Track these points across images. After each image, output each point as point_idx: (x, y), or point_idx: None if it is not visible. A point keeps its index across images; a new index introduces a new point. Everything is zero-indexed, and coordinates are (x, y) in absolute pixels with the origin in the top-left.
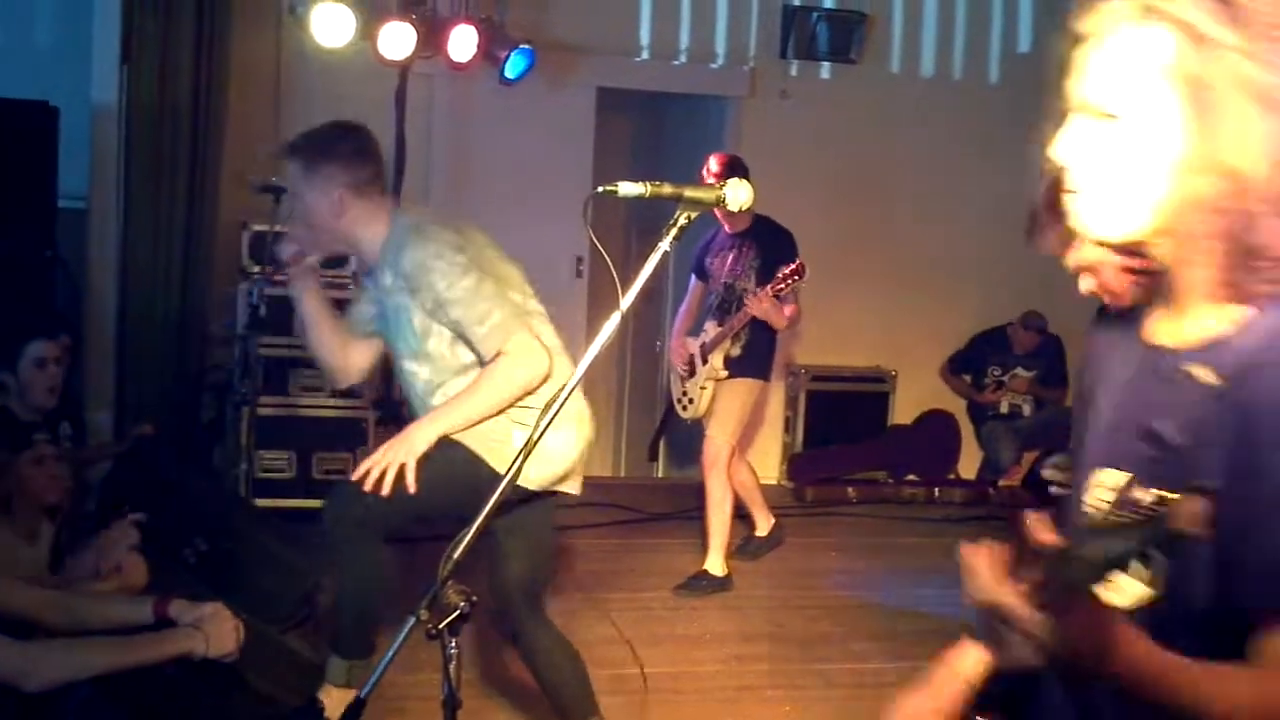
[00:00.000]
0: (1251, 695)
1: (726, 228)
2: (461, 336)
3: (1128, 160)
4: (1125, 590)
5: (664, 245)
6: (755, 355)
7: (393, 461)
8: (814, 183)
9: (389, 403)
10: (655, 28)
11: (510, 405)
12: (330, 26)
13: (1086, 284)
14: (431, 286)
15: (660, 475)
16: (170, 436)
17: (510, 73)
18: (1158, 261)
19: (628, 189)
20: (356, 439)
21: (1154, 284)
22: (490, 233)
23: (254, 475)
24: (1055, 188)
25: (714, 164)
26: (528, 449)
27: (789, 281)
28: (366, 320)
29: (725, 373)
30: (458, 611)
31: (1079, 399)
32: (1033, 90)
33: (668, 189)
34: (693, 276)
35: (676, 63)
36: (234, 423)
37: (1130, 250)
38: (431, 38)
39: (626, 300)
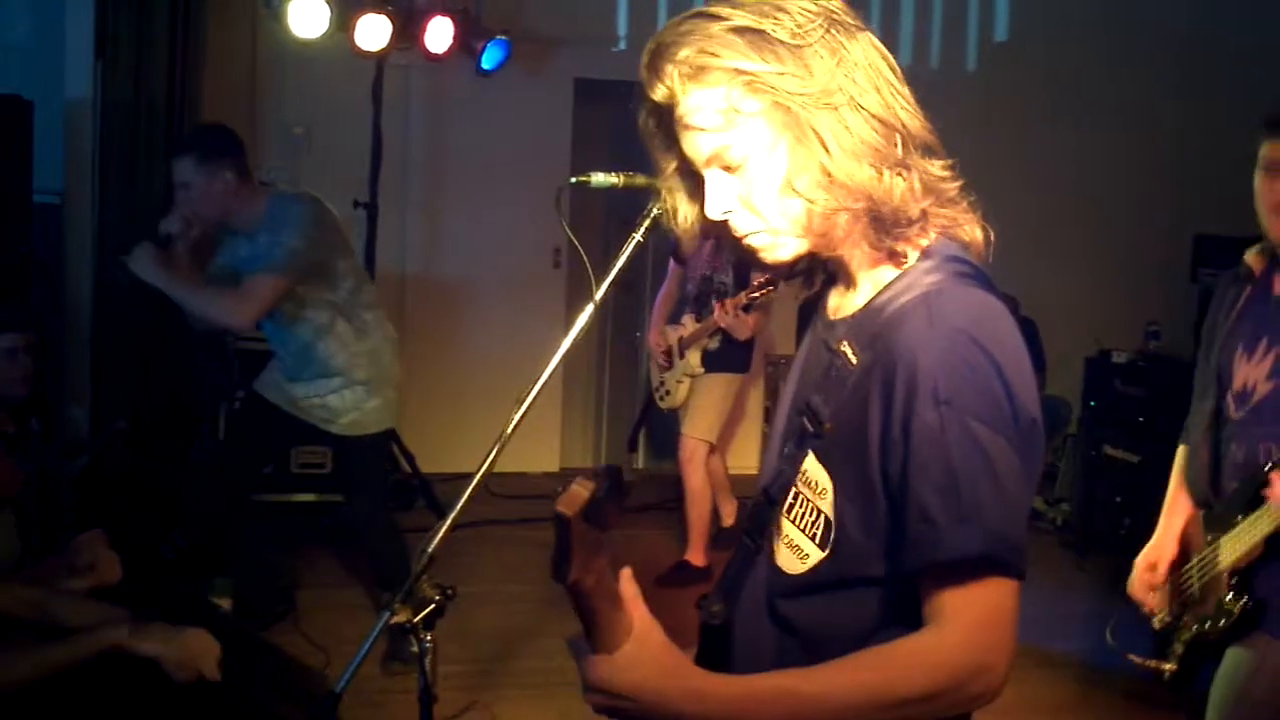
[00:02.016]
0: (899, 669)
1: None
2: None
3: (767, 198)
4: (808, 553)
5: (637, 236)
6: (733, 349)
7: None
8: None
9: None
10: (632, 17)
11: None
12: (306, 18)
13: None
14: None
15: (640, 466)
16: (147, 431)
17: (487, 64)
18: (824, 257)
19: (600, 179)
20: None
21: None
22: (469, 223)
23: None
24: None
25: None
26: (502, 442)
27: (761, 292)
28: (224, 271)
29: (701, 369)
30: (432, 605)
31: (781, 382)
32: (1009, 79)
33: (641, 179)
34: (671, 260)
35: None
36: (211, 417)
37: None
38: (408, 29)
39: (600, 292)
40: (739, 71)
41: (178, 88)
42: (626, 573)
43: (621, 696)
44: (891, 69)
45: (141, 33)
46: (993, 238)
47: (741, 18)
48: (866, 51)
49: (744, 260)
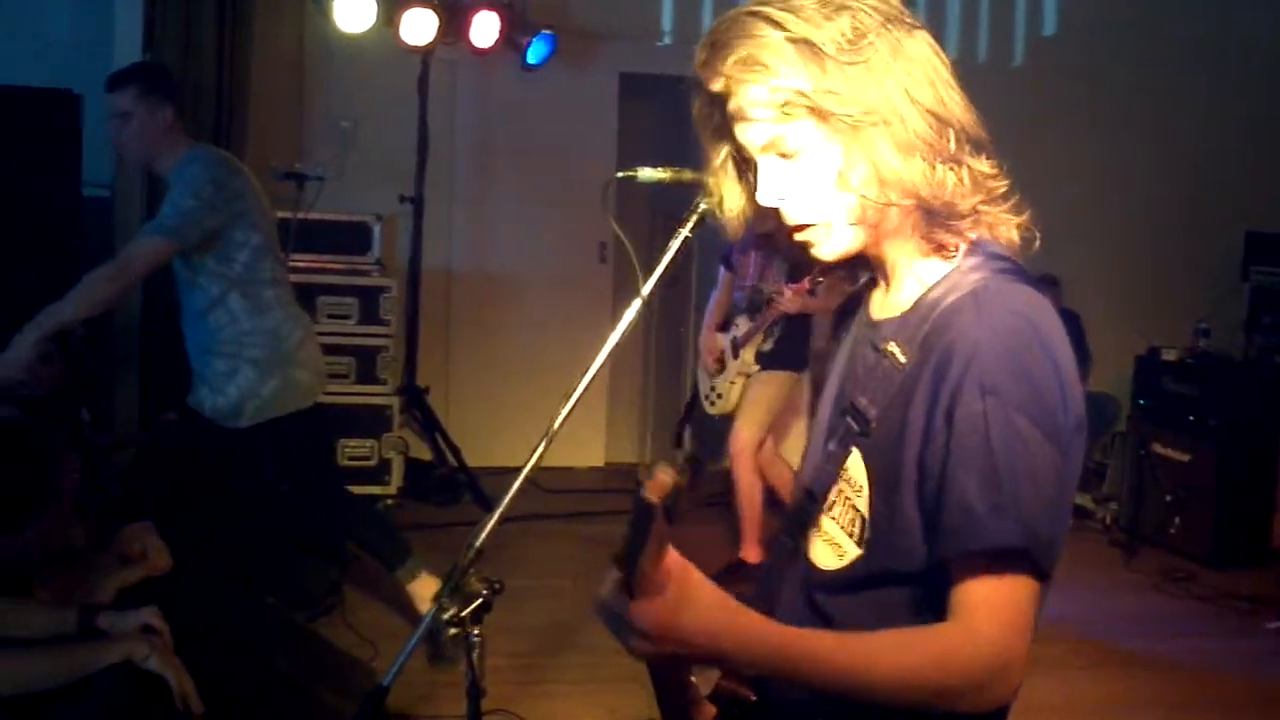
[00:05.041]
0: (924, 655)
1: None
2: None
3: (820, 189)
4: (845, 550)
5: (685, 232)
6: (788, 348)
7: None
8: None
9: (412, 389)
10: (677, 12)
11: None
12: (352, 13)
13: None
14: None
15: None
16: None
17: (532, 58)
18: (869, 254)
19: (648, 174)
20: (381, 426)
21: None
22: (514, 217)
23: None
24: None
25: None
26: (549, 437)
27: (821, 279)
28: None
29: (756, 367)
30: (480, 600)
31: (816, 381)
32: (1057, 74)
33: (689, 174)
34: (721, 268)
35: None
36: None
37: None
38: (453, 23)
39: (647, 287)
40: (787, 84)
41: (225, 82)
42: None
43: (672, 637)
44: (946, 66)
45: (189, 27)
46: (1037, 240)
47: (796, 24)
48: (922, 49)
49: (796, 262)
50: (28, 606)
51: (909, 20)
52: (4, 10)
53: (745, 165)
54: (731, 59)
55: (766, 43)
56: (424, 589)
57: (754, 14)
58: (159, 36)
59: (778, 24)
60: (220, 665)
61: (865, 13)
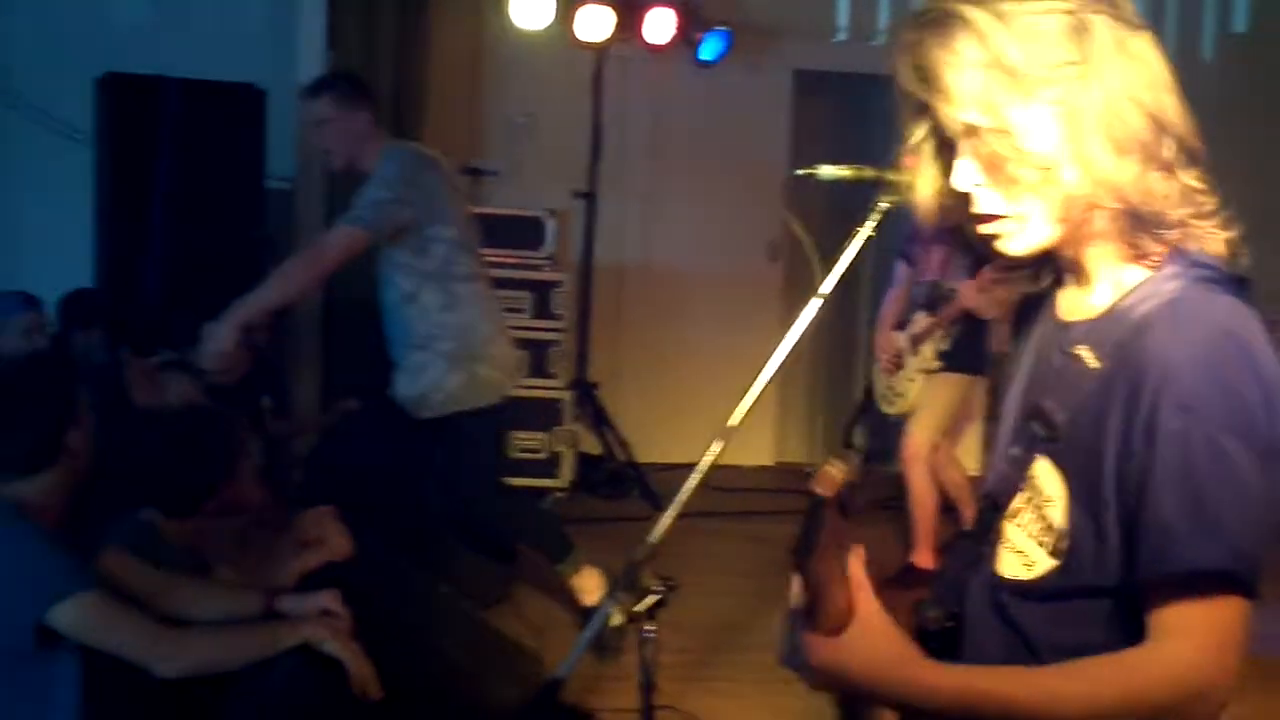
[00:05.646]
0: (1114, 685)
1: None
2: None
3: (1024, 179)
4: (1035, 560)
5: (866, 231)
6: (965, 348)
7: None
8: None
9: (583, 384)
10: (853, 8)
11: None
12: (529, 9)
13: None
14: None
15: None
16: (374, 412)
17: (706, 55)
18: (1060, 253)
19: (828, 171)
20: (551, 419)
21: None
22: (686, 214)
23: None
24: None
25: None
26: (726, 436)
27: (1001, 275)
28: None
29: (937, 364)
30: (655, 596)
31: (995, 385)
32: (1247, 72)
33: (870, 172)
34: (900, 263)
35: (876, 44)
36: None
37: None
38: (629, 20)
39: (828, 284)
40: (965, 120)
41: (404, 78)
42: (859, 552)
43: (841, 679)
44: (1167, 70)
45: (370, 23)
46: (1245, 256)
47: (998, 36)
48: (1146, 48)
49: (980, 256)
50: (210, 588)
51: (1134, 19)
52: (192, 6)
53: (944, 145)
54: (920, 64)
55: (957, 60)
56: (586, 582)
57: (953, 15)
58: (341, 33)
59: (979, 34)
60: (396, 652)
61: (1088, 5)
